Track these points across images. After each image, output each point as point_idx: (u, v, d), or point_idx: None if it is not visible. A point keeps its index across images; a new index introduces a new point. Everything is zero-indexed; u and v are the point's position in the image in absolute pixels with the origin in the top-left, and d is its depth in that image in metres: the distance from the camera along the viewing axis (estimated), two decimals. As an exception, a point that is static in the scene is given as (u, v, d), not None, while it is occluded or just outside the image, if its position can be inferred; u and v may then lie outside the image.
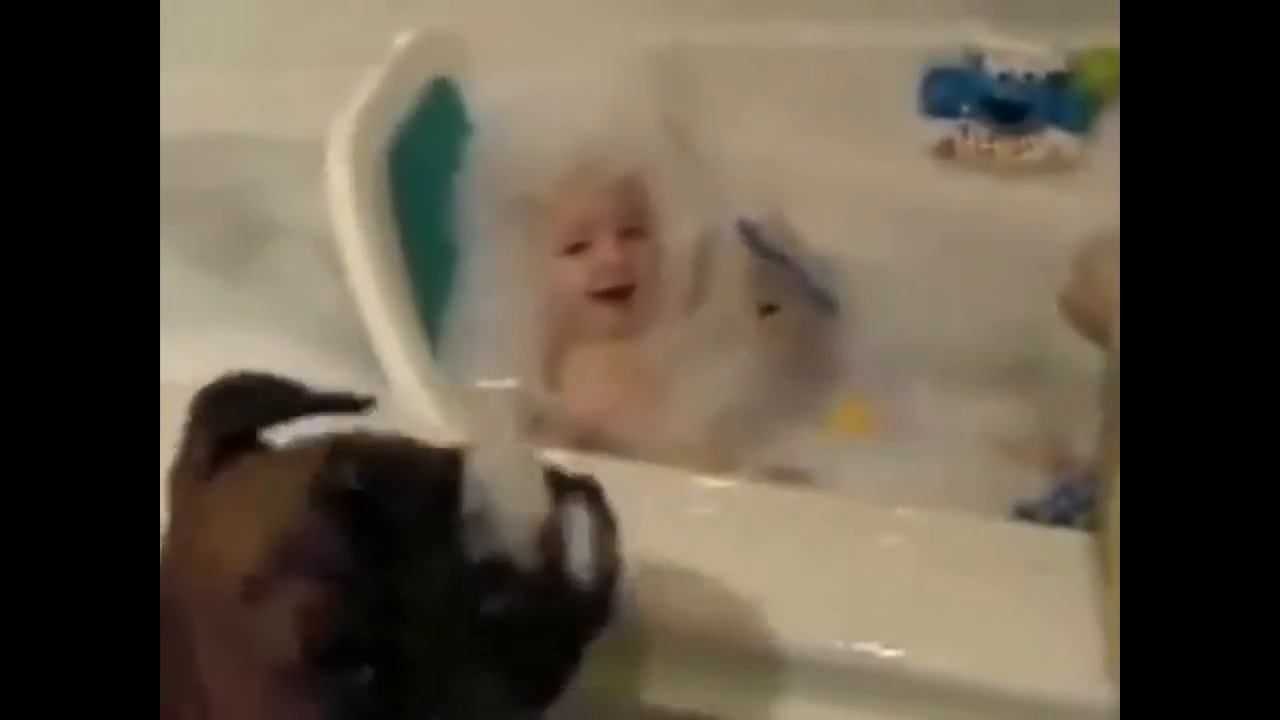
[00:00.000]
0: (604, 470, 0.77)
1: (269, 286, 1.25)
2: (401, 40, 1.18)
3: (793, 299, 1.20)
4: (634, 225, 1.15)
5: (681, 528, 0.79)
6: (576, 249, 1.14)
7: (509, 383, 1.08)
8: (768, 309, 1.20)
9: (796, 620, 0.74)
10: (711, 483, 0.87)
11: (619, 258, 1.14)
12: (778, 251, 1.18)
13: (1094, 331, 0.81)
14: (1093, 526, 0.76)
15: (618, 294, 1.15)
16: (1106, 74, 1.25)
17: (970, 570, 0.75)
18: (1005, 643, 0.71)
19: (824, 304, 1.20)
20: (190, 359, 0.75)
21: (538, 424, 1.08)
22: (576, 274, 1.14)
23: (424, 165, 1.14)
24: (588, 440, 1.07)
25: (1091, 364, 0.82)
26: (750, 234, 1.18)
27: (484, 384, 1.02)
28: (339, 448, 0.59)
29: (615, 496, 0.77)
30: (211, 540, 0.59)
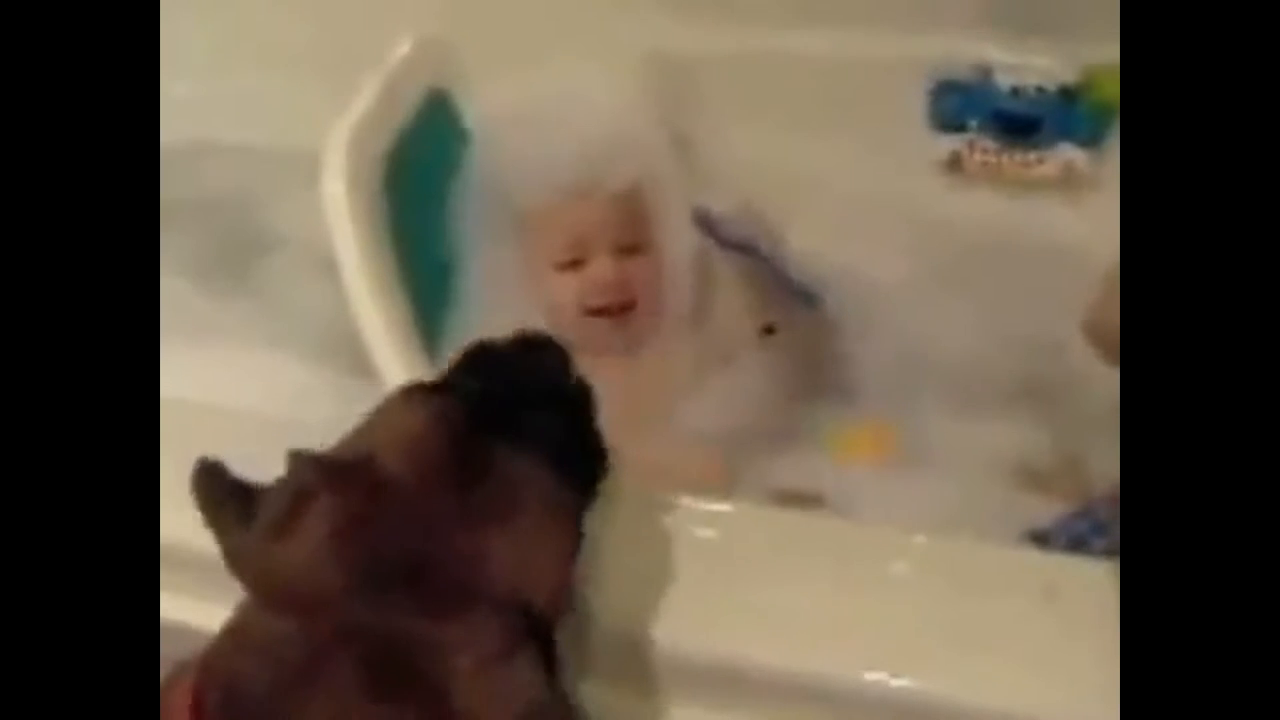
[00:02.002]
0: (606, 492, 0.79)
1: (265, 298, 1.26)
2: (398, 50, 1.19)
3: (774, 297, 1.21)
4: (632, 241, 1.16)
5: (685, 552, 0.79)
6: (573, 265, 1.15)
7: None
8: (768, 329, 1.21)
9: (804, 647, 0.74)
10: (716, 506, 0.87)
11: (615, 275, 1.15)
12: (738, 242, 1.19)
13: (1116, 356, 0.82)
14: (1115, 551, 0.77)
15: (615, 310, 1.16)
16: (1118, 88, 1.26)
17: (984, 597, 0.76)
18: (1019, 671, 0.72)
19: (804, 298, 1.21)
20: (185, 371, 0.77)
21: None
22: (572, 291, 1.15)
23: (420, 176, 1.15)
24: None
25: (1107, 382, 0.84)
26: (707, 223, 1.18)
27: None
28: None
29: (617, 518, 0.79)
30: None
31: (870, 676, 0.73)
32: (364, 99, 1.12)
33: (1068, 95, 1.28)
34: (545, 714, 0.60)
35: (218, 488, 0.66)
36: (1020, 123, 1.30)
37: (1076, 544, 0.98)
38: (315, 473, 0.63)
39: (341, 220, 1.05)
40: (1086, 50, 1.27)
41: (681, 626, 0.76)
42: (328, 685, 0.59)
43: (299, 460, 0.64)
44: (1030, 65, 1.28)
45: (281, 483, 0.64)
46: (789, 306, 1.21)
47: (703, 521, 0.84)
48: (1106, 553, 0.81)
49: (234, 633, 0.63)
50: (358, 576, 0.61)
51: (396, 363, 1.00)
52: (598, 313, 1.16)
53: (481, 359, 0.75)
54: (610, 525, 0.78)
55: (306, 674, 0.60)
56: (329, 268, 1.03)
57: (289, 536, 0.62)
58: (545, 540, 0.66)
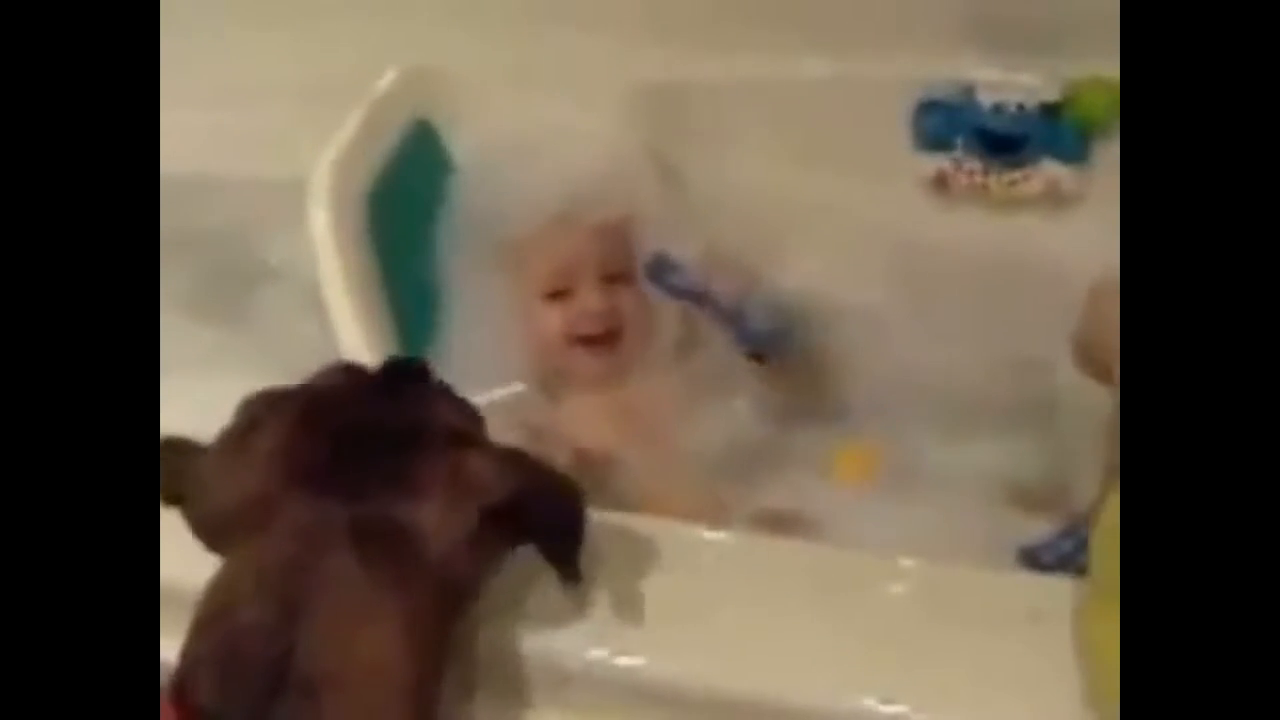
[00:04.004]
0: (601, 522, 0.80)
1: (257, 330, 1.27)
2: (382, 80, 1.21)
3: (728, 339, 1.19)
4: (618, 270, 1.18)
5: (672, 580, 0.80)
6: (559, 295, 1.17)
7: (517, 386, 1.10)
8: (755, 355, 1.22)
9: (796, 674, 0.75)
10: (700, 534, 0.88)
11: (601, 305, 1.16)
12: (682, 287, 1.18)
13: (1101, 374, 0.83)
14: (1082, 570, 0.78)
15: (601, 340, 1.17)
16: (1101, 103, 1.27)
17: (973, 622, 0.77)
18: (1009, 697, 0.73)
19: (756, 343, 1.18)
20: (177, 404, 0.77)
21: (538, 436, 1.09)
22: (558, 320, 1.17)
23: (406, 206, 1.17)
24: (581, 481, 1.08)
25: (1095, 400, 0.85)
26: (657, 271, 1.18)
27: (492, 392, 1.04)
28: None
29: (614, 547, 0.80)
30: None
31: (858, 703, 0.74)
32: (348, 130, 1.14)
33: (1050, 112, 1.29)
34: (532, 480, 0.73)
35: (180, 447, 0.75)
36: (1004, 140, 1.31)
37: (1065, 562, 0.99)
38: (261, 404, 0.74)
39: (326, 251, 1.06)
40: (1068, 67, 1.28)
41: (669, 655, 0.77)
42: (329, 573, 0.67)
43: (247, 399, 0.75)
44: (1012, 83, 1.29)
45: (232, 420, 0.75)
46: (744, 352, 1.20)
47: (689, 549, 0.84)
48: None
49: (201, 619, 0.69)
50: (302, 477, 0.70)
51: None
52: (584, 342, 1.17)
53: None
54: (600, 551, 0.79)
55: (306, 569, 0.67)
56: (317, 298, 1.04)
57: (239, 459, 0.72)
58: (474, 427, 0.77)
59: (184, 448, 0.75)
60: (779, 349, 1.20)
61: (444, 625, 0.72)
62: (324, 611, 0.67)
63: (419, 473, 0.71)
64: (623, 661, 0.77)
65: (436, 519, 0.70)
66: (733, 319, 1.17)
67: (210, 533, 0.73)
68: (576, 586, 0.77)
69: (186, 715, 0.64)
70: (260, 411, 0.75)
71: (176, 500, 0.74)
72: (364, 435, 0.73)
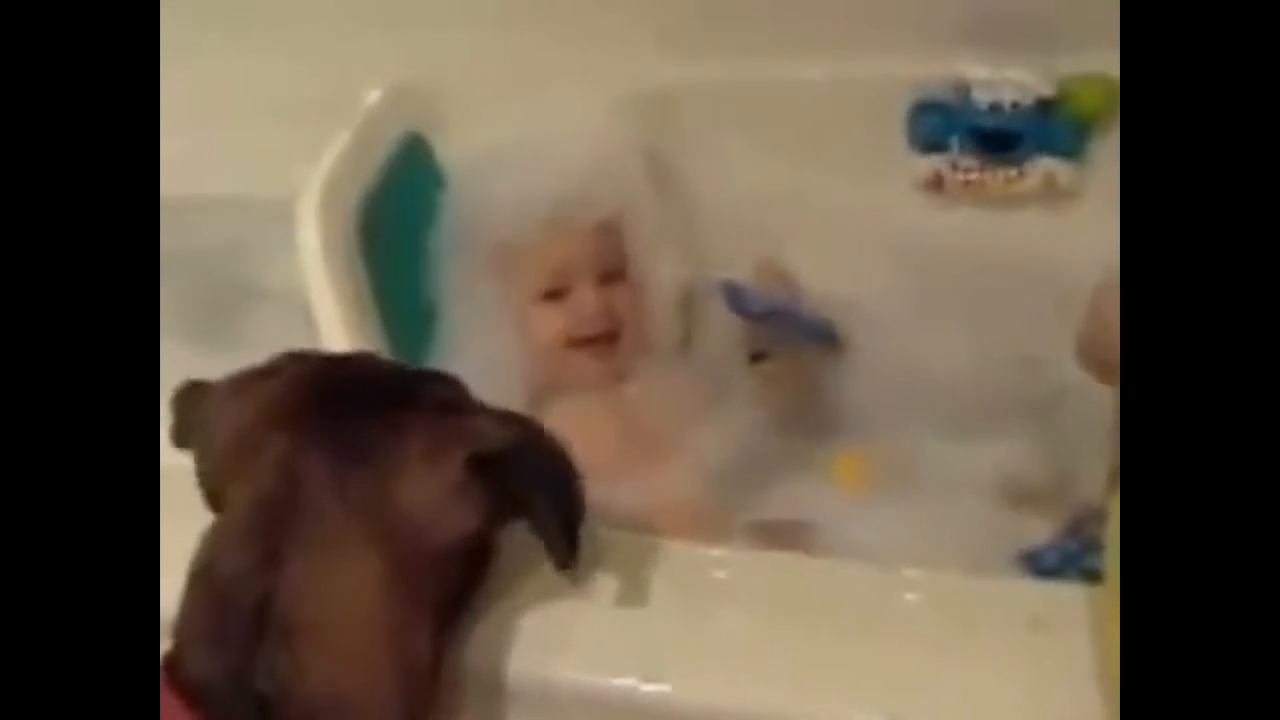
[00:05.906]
0: (604, 539, 0.80)
1: (249, 349, 1.27)
2: (370, 97, 1.22)
3: (789, 345, 1.22)
4: (614, 269, 1.19)
5: (668, 594, 0.80)
6: (555, 295, 1.18)
7: None
8: (757, 356, 1.23)
9: (801, 691, 0.75)
10: (696, 549, 0.88)
11: (598, 305, 1.17)
12: (765, 311, 1.21)
13: (1105, 373, 0.84)
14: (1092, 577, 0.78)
15: (600, 340, 1.18)
16: (1096, 98, 1.28)
17: (977, 631, 0.76)
18: (1011, 707, 0.72)
19: (823, 338, 1.23)
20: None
21: None
22: (555, 322, 1.18)
23: (398, 221, 1.18)
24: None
25: (1097, 397, 0.86)
26: (736, 300, 1.20)
27: None
28: None
29: (619, 566, 0.80)
30: None
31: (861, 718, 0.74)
32: (336, 148, 1.15)
33: (1045, 108, 1.30)
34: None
35: (193, 386, 0.78)
36: (999, 138, 1.31)
37: (1069, 562, 0.99)
38: (283, 358, 0.77)
39: (316, 268, 1.07)
40: (1061, 63, 1.29)
41: (666, 671, 0.77)
42: (308, 514, 0.68)
43: (273, 356, 0.78)
44: (1006, 81, 1.30)
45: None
46: (810, 349, 1.24)
47: (683, 565, 0.84)
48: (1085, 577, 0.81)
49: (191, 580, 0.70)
50: (290, 418, 0.72)
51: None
52: (583, 344, 1.18)
53: None
54: (600, 569, 0.79)
55: (287, 510, 0.68)
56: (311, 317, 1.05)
57: (241, 395, 0.75)
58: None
59: (197, 386, 0.79)
60: (833, 341, 1.23)
61: (427, 578, 0.71)
62: (302, 556, 0.67)
63: (406, 427, 0.72)
64: (623, 682, 0.76)
65: (416, 467, 0.70)
66: (812, 325, 1.21)
67: (209, 481, 0.74)
68: (571, 572, 0.75)
69: (182, 693, 0.65)
70: (279, 363, 0.77)
71: (183, 441, 0.77)
72: (360, 391, 0.75)
